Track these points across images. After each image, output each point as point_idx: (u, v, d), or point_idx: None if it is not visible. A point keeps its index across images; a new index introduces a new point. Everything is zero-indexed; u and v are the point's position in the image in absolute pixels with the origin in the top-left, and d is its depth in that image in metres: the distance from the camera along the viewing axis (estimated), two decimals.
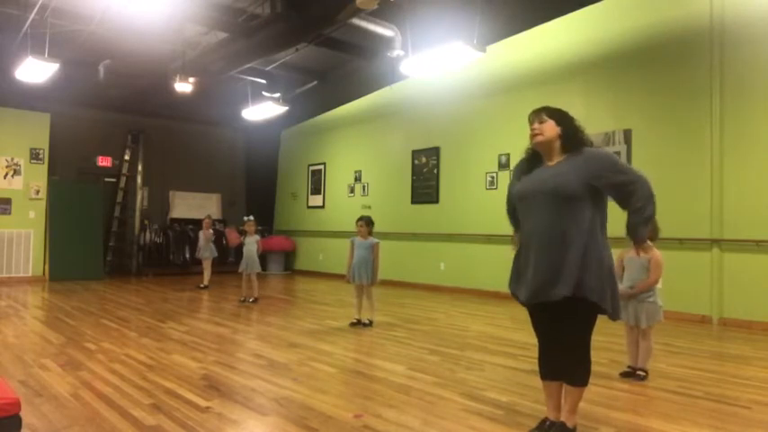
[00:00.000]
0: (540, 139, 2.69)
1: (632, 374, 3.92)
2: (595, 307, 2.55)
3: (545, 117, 2.70)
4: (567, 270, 2.51)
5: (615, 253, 3.71)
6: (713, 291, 6.38)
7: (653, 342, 3.99)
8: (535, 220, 2.63)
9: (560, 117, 2.70)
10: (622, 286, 3.89)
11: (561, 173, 2.61)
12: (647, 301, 3.86)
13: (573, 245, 2.52)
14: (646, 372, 3.89)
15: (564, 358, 2.66)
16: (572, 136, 2.67)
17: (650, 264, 3.86)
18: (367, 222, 5.97)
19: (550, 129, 2.67)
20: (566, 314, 2.58)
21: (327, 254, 11.93)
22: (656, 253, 3.88)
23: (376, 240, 5.97)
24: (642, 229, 2.55)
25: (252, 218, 8.02)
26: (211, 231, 9.60)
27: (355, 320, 5.96)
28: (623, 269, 3.98)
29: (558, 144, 2.68)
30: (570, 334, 2.63)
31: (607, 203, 2.66)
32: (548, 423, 2.75)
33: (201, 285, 9.26)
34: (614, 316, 2.59)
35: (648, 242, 3.91)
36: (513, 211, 2.84)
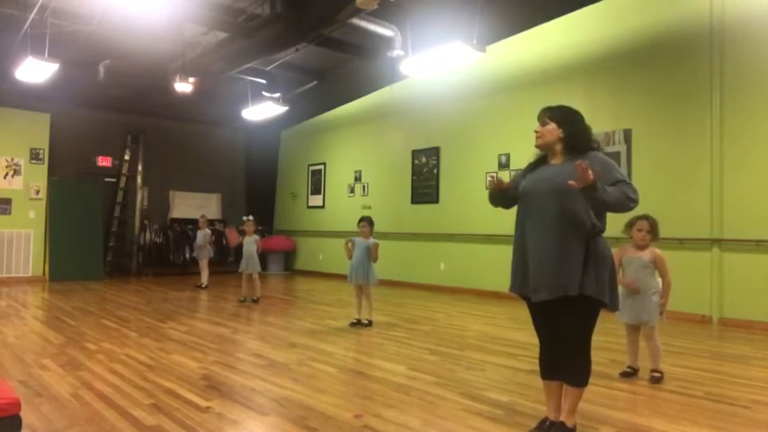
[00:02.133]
0: (539, 142, 2.75)
1: (632, 374, 3.90)
2: (595, 303, 2.56)
3: (547, 120, 2.72)
4: (570, 268, 2.52)
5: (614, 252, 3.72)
6: (713, 291, 6.38)
7: (659, 341, 3.91)
8: (534, 217, 2.65)
9: (564, 120, 2.71)
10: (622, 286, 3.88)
11: (562, 171, 2.62)
12: (651, 298, 3.81)
13: (573, 242, 2.53)
14: (661, 372, 3.82)
15: (564, 358, 2.66)
16: (572, 140, 2.68)
17: (657, 263, 3.83)
18: (369, 222, 6.01)
19: (550, 132, 2.70)
20: (566, 312, 2.58)
21: (327, 254, 11.93)
22: (658, 252, 3.88)
23: (374, 241, 5.98)
24: (604, 195, 2.42)
25: (251, 218, 8.03)
26: (208, 231, 9.61)
27: (355, 320, 5.96)
28: (621, 268, 3.94)
29: (559, 147, 2.71)
30: (571, 333, 2.63)
31: None
32: (548, 423, 2.75)
33: (202, 285, 9.26)
34: (612, 307, 2.62)
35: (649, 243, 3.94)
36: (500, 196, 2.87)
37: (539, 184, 2.68)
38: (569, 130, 2.69)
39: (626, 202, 2.49)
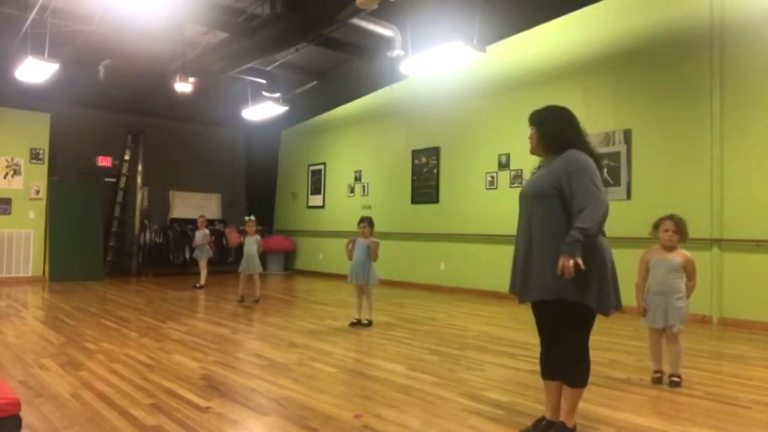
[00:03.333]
0: (530, 148, 2.79)
1: (661, 380, 3.77)
2: (583, 306, 2.52)
3: (530, 125, 2.77)
4: (540, 272, 2.55)
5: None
6: (713, 291, 6.38)
7: (682, 346, 3.83)
8: (520, 220, 2.72)
9: (537, 121, 2.74)
10: (648, 288, 3.83)
11: (543, 174, 2.67)
12: (677, 303, 3.71)
13: (547, 246, 2.54)
14: (679, 377, 3.74)
15: (562, 358, 2.66)
16: (545, 141, 2.69)
17: (687, 267, 3.75)
18: (370, 223, 6.02)
19: (532, 137, 2.75)
20: (557, 315, 2.60)
21: (327, 254, 11.93)
22: (689, 255, 3.78)
23: (373, 239, 5.99)
24: (574, 246, 2.41)
25: (252, 218, 8.03)
26: (207, 231, 9.61)
27: (355, 320, 5.96)
28: (647, 270, 3.84)
29: (541, 149, 2.73)
30: (565, 334, 2.64)
31: None
32: (544, 422, 2.76)
33: (198, 285, 9.26)
34: (602, 311, 2.55)
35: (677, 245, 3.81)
36: None
37: (527, 188, 2.73)
38: (541, 131, 2.71)
39: (597, 222, 2.44)
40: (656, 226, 3.84)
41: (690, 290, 3.79)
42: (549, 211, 2.55)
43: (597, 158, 2.65)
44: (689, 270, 3.77)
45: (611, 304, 2.56)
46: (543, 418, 2.78)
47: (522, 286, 2.65)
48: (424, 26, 7.31)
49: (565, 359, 2.65)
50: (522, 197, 2.74)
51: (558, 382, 2.71)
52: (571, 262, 2.41)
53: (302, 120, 12.52)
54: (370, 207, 10.87)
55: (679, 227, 3.76)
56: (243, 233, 8.03)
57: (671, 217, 3.80)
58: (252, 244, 7.77)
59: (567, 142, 2.64)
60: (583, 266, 2.41)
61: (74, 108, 10.92)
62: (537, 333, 2.80)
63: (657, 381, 3.79)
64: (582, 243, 2.42)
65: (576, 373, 2.64)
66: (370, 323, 5.93)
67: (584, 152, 2.62)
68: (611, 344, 4.99)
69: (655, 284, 3.80)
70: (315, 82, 10.61)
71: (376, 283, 6.01)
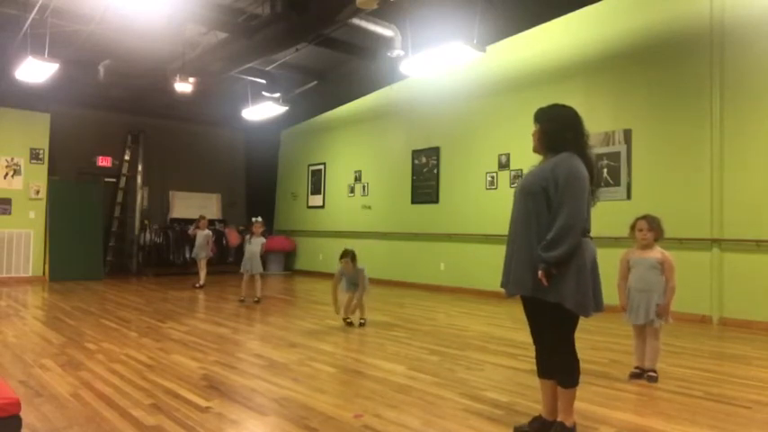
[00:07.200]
0: (533, 148, 2.78)
1: (641, 375, 3.87)
2: (563, 306, 2.51)
3: (534, 122, 2.77)
4: (519, 268, 2.58)
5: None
6: (713, 291, 6.38)
7: (661, 343, 3.95)
8: (512, 215, 2.74)
9: (539, 118, 2.75)
10: (632, 286, 3.90)
11: (535, 172, 2.68)
12: (659, 301, 3.81)
13: (526, 243, 2.57)
14: (656, 372, 3.85)
15: (550, 357, 2.68)
16: (546, 138, 2.70)
17: (664, 267, 3.83)
18: (353, 258, 5.85)
19: (535, 134, 2.75)
20: (542, 313, 2.62)
21: (327, 254, 11.92)
22: (668, 255, 3.87)
23: (361, 267, 5.92)
24: (545, 259, 2.47)
25: (260, 219, 8.06)
26: (209, 232, 9.62)
27: (349, 319, 5.98)
28: (628, 269, 3.95)
29: (541, 146, 2.74)
30: (550, 333, 2.65)
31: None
32: (540, 422, 2.77)
33: (197, 285, 9.27)
34: (581, 312, 2.52)
35: (655, 244, 3.93)
36: None
37: (519, 185, 2.76)
38: (542, 129, 2.72)
39: (565, 237, 2.45)
40: (632, 227, 3.97)
41: (669, 293, 3.83)
42: (532, 208, 2.59)
43: (591, 165, 2.64)
44: (666, 268, 3.84)
45: (590, 305, 2.53)
46: (540, 416, 2.79)
47: (505, 279, 2.70)
48: (424, 26, 7.31)
49: (553, 359, 2.66)
50: (515, 193, 2.76)
51: (553, 382, 2.71)
52: (541, 273, 2.48)
53: (302, 120, 12.52)
54: (370, 207, 10.87)
55: (652, 225, 3.87)
56: (248, 233, 8.03)
57: (644, 217, 3.94)
58: (256, 244, 7.79)
59: (565, 143, 2.64)
60: (554, 272, 2.47)
61: (74, 108, 10.92)
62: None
63: (636, 376, 3.89)
64: (552, 263, 2.46)
65: (564, 373, 2.64)
66: (365, 322, 5.95)
67: (581, 155, 2.61)
68: (611, 344, 4.98)
69: (635, 282, 3.90)
70: (315, 82, 10.61)
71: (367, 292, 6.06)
